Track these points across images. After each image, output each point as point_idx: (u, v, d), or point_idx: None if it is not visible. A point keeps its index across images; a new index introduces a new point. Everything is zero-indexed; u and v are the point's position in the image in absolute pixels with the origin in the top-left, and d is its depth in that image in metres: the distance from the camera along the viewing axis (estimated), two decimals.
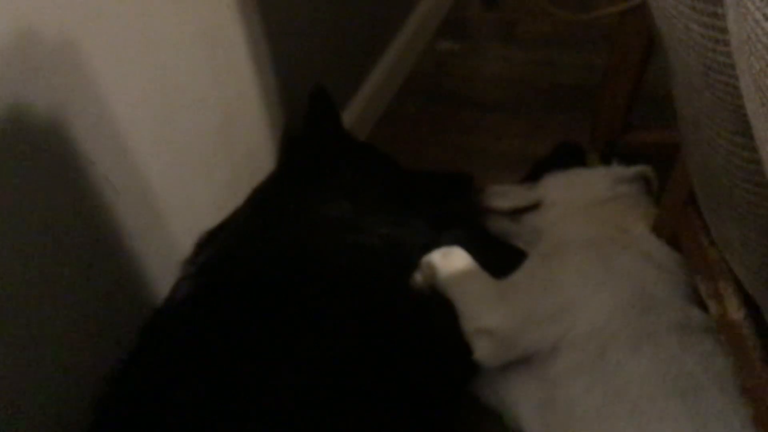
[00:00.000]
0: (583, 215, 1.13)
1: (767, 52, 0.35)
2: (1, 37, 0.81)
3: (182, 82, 1.08)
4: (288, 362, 1.03)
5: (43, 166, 0.89)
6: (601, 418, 0.91)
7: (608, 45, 1.28)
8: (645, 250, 1.05)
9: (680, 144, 0.72)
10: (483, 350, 1.02)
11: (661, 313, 0.97)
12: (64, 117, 0.90)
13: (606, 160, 1.26)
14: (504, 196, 1.23)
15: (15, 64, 0.83)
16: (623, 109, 1.27)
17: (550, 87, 1.53)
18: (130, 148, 1.00)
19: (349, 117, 1.44)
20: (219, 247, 1.13)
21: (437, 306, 1.10)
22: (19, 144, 0.85)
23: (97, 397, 0.98)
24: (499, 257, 1.17)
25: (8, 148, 0.84)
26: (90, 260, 0.97)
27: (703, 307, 0.99)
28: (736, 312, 0.91)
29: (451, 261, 1.11)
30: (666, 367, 0.92)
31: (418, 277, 1.13)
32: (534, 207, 1.20)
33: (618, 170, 1.19)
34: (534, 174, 1.28)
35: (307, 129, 1.28)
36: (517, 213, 1.21)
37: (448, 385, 1.08)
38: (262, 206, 1.19)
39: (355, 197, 1.22)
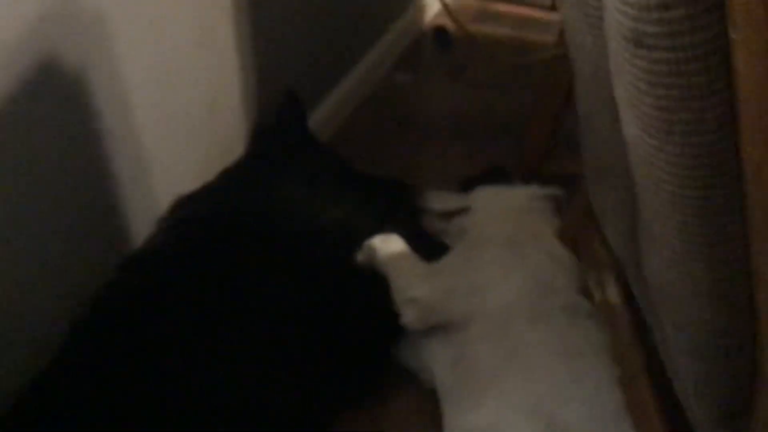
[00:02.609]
0: (503, 220, 1.35)
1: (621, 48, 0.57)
2: (48, 4, 1.00)
3: (181, 66, 1.27)
4: (241, 310, 1.20)
5: (65, 110, 1.07)
6: (500, 372, 1.12)
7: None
8: (549, 250, 1.27)
9: (579, 137, 0.95)
10: (409, 317, 1.21)
11: (556, 298, 1.19)
12: (87, 74, 1.09)
13: (527, 183, 1.49)
14: (439, 199, 1.45)
15: (56, 26, 1.02)
16: (544, 143, 1.52)
17: (487, 121, 1.77)
18: (132, 109, 1.18)
19: (311, 125, 1.64)
20: (191, 210, 1.31)
21: (373, 280, 1.29)
22: (48, 89, 1.03)
23: (74, 317, 1.14)
24: (428, 250, 1.37)
25: (40, 92, 1.02)
26: (86, 194, 1.14)
27: (590, 299, 1.21)
28: (614, 297, 1.14)
29: (388, 245, 1.30)
30: (556, 337, 1.14)
31: (360, 257, 1.32)
32: (463, 211, 1.41)
33: (535, 190, 1.42)
34: (465, 189, 1.50)
35: (277, 124, 1.47)
36: (448, 215, 1.43)
37: (379, 345, 1.27)
38: (231, 182, 1.37)
39: (312, 186, 1.41)
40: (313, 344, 1.21)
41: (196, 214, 1.30)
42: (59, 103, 1.06)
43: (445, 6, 1.75)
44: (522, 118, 1.68)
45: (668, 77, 0.54)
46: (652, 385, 1.03)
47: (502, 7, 2.14)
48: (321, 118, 1.65)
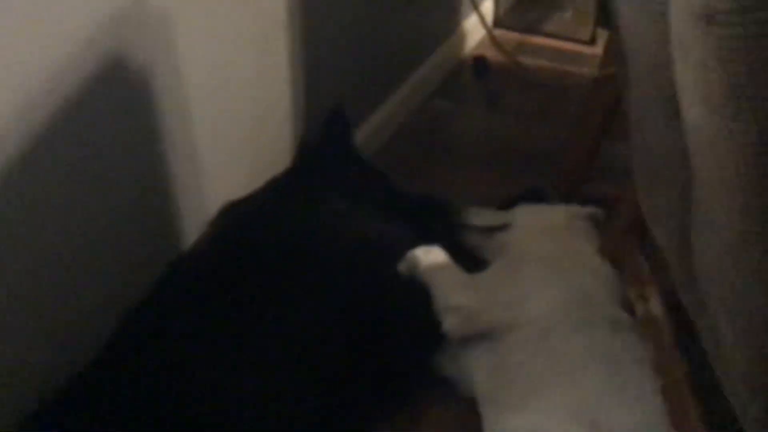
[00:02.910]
0: (543, 236, 1.37)
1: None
2: (120, 5, 1.05)
3: (235, 74, 1.32)
4: (281, 317, 1.22)
5: (127, 109, 1.11)
6: (542, 377, 1.13)
7: (574, 120, 1.59)
8: (589, 265, 1.29)
9: (629, 142, 0.98)
10: (451, 324, 1.23)
11: (597, 309, 1.21)
12: (150, 75, 1.13)
13: (567, 203, 1.51)
14: (480, 216, 1.47)
15: (124, 26, 1.07)
16: (584, 165, 1.55)
17: (523, 147, 1.81)
18: (189, 113, 1.22)
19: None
20: (238, 216, 1.34)
21: (415, 291, 1.31)
22: (114, 87, 1.08)
23: (124, 312, 1.17)
24: (468, 265, 1.39)
25: (106, 89, 1.06)
26: (140, 193, 1.17)
27: (632, 313, 1.22)
28: (656, 310, 1.15)
29: (431, 255, 1.33)
30: (597, 345, 1.15)
31: (402, 267, 1.34)
32: (504, 227, 1.43)
33: (575, 208, 1.44)
34: (505, 207, 1.53)
35: (323, 138, 1.51)
36: (488, 231, 1.45)
37: (418, 355, 1.28)
38: (277, 191, 1.41)
39: (354, 199, 1.44)
40: (354, 353, 1.22)
41: (243, 221, 1.33)
42: (123, 101, 1.10)
43: (492, 37, 1.81)
44: (558, 145, 1.72)
45: (738, 53, 0.56)
46: (693, 395, 1.04)
47: (542, 41, 2.20)
48: (362, 139, 1.69)
